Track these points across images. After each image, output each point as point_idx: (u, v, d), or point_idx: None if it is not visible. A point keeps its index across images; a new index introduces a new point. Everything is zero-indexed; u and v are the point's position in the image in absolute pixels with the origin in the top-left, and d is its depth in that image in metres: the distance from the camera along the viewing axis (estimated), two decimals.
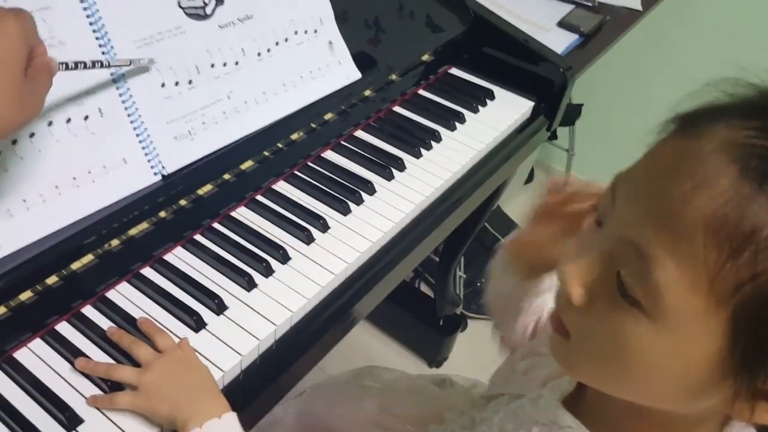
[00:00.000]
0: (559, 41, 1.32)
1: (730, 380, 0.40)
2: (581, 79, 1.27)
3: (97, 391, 0.67)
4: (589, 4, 1.45)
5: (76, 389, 0.67)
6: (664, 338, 0.40)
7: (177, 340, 0.71)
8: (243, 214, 0.90)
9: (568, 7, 1.44)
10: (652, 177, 0.41)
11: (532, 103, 1.19)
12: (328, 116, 1.02)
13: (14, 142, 0.63)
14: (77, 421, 0.64)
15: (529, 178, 2.40)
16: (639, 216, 0.41)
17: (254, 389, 0.73)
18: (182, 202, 0.82)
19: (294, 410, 0.98)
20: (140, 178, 0.72)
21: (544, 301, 0.73)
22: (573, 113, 2.11)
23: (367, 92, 1.09)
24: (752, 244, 0.36)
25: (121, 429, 0.64)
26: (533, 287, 0.72)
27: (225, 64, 0.80)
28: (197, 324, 0.74)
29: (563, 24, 1.38)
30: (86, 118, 0.67)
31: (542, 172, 2.48)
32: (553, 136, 2.30)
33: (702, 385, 0.41)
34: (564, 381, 0.59)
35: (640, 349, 0.42)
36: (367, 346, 1.72)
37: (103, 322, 0.73)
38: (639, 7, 1.48)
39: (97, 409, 0.65)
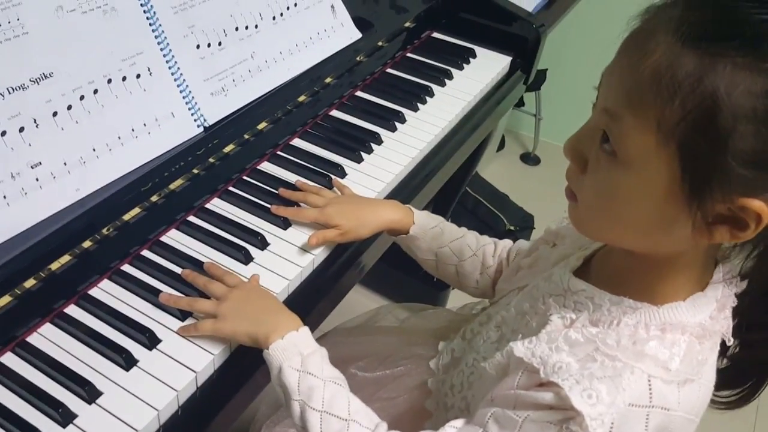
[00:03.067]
0: (527, 3, 1.44)
1: (687, 208, 0.50)
2: (544, 45, 1.38)
3: (171, 321, 0.75)
4: None
5: (153, 318, 0.75)
6: (634, 176, 0.52)
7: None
8: (266, 168, 0.99)
9: None
10: (618, 56, 0.54)
11: (509, 59, 1.31)
12: (329, 80, 1.12)
13: (82, 97, 0.71)
14: (156, 340, 0.73)
15: (501, 146, 2.53)
16: (609, 88, 0.54)
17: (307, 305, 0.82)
18: (211, 160, 0.90)
19: None
20: (186, 129, 0.81)
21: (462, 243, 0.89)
22: (538, 78, 2.24)
23: (360, 57, 1.19)
24: (681, 91, 0.47)
25: (195, 344, 0.73)
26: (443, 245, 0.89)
27: (247, 27, 0.89)
28: (246, 258, 0.83)
29: None
30: (138, 76, 0.76)
31: (512, 139, 2.61)
32: (521, 103, 2.44)
33: (668, 216, 0.52)
34: (571, 259, 0.70)
35: (620, 190, 0.54)
36: (362, 308, 1.80)
37: (168, 265, 0.81)
38: None
39: (175, 333, 0.74)
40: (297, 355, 0.69)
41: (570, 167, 0.59)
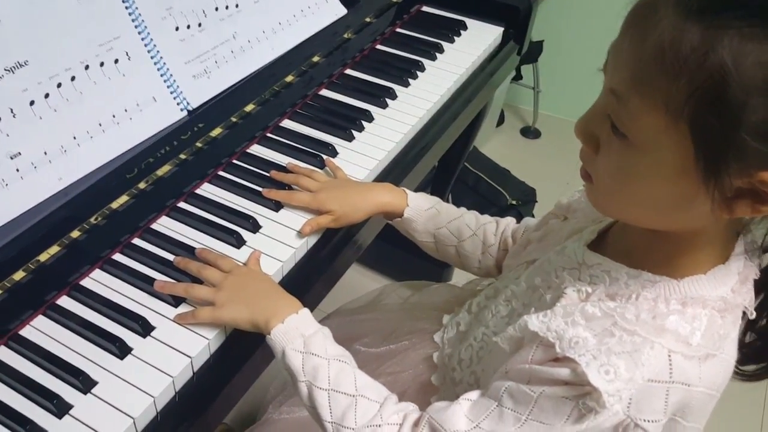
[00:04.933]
0: None
1: (704, 185, 0.48)
2: (539, 16, 1.35)
3: (165, 308, 0.74)
4: None
5: (146, 306, 0.74)
6: (647, 158, 0.50)
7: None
8: (256, 151, 0.97)
9: None
10: (622, 33, 0.51)
11: (501, 29, 1.28)
12: (317, 59, 1.10)
13: (59, 85, 0.70)
14: (150, 328, 0.72)
15: (500, 121, 2.50)
16: (615, 67, 0.52)
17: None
18: (199, 144, 0.89)
19: None
20: (169, 113, 0.79)
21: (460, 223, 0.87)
22: (535, 50, 2.21)
23: (348, 34, 1.17)
24: (687, 67, 0.45)
25: (190, 330, 0.72)
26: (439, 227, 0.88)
27: (227, 7, 0.87)
28: (238, 241, 0.82)
29: None
30: (116, 61, 0.74)
31: (512, 114, 2.58)
32: (519, 76, 2.40)
33: (686, 194, 0.50)
34: (585, 233, 0.68)
35: (635, 172, 0.52)
36: (365, 288, 1.78)
37: (159, 252, 0.80)
38: None
39: (168, 319, 0.73)
40: (299, 337, 0.68)
41: (583, 148, 0.57)
